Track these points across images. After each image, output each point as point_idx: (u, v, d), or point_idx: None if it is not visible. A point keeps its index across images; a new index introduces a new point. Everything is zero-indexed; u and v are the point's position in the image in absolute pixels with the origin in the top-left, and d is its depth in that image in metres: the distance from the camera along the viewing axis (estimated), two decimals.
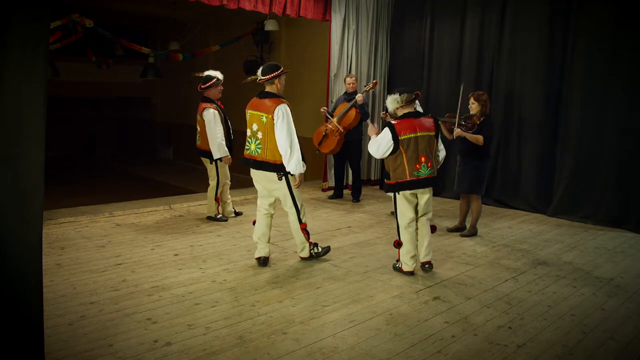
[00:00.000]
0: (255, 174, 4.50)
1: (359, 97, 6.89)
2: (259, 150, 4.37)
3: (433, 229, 4.52)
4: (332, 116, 7.07)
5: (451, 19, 7.82)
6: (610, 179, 6.30)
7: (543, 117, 6.90)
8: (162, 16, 12.18)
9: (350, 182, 7.80)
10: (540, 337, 3.30)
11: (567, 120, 6.65)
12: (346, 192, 7.82)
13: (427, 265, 4.45)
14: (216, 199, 6.04)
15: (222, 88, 5.94)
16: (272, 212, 4.63)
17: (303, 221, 4.57)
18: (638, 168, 6.07)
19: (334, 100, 7.76)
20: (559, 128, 6.75)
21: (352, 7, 8.01)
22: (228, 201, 6.21)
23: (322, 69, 8.31)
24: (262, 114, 4.31)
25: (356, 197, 7.48)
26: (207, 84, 5.81)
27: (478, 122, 5.46)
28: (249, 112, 4.45)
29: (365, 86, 7.26)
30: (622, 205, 6.23)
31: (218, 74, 5.88)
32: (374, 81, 7.10)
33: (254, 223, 4.68)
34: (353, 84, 7.24)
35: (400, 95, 4.34)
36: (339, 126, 6.93)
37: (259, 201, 4.63)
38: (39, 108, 2.22)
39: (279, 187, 4.44)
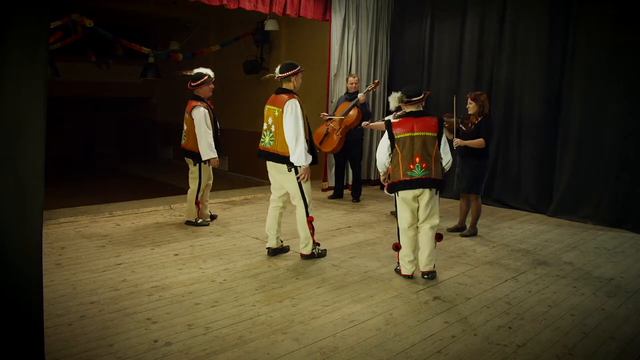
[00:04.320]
0: (268, 165, 4.73)
1: (361, 96, 6.89)
2: (271, 143, 4.62)
3: (439, 237, 4.32)
4: (331, 118, 7.07)
5: (451, 19, 7.82)
6: (610, 179, 6.30)
7: (543, 117, 6.90)
8: (162, 16, 12.18)
9: (350, 182, 7.80)
10: (540, 337, 3.30)
11: (567, 120, 6.65)
12: (346, 192, 7.82)
13: (426, 276, 4.26)
14: (196, 203, 5.74)
15: (212, 86, 5.70)
16: (281, 205, 4.81)
17: (310, 214, 4.69)
18: (638, 168, 6.07)
19: (334, 101, 7.75)
20: (559, 128, 6.75)
21: (352, 7, 8.01)
22: (206, 204, 5.93)
23: (322, 69, 8.30)
24: (275, 108, 4.57)
25: (356, 197, 7.48)
26: (198, 82, 5.55)
27: (475, 122, 5.46)
28: (266, 107, 4.68)
29: (367, 86, 7.26)
30: (622, 205, 6.23)
31: (209, 72, 5.63)
32: (376, 81, 7.11)
33: None
34: (355, 83, 7.25)
35: (401, 93, 4.32)
36: (340, 125, 6.94)
37: (272, 193, 4.84)
38: (39, 108, 2.22)
39: (289, 180, 4.62)
